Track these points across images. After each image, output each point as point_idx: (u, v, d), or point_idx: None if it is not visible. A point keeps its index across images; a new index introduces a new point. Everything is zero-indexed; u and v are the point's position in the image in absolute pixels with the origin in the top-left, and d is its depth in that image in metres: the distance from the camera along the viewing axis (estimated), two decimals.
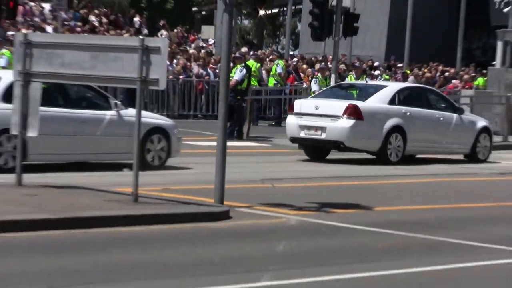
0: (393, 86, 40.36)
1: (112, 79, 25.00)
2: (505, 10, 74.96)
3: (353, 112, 35.71)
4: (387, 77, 62.64)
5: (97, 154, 29.18)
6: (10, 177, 24.24)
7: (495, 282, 17.18)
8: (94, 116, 30.17)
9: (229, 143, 25.55)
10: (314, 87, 47.30)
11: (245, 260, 17.61)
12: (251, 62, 49.65)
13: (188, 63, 55.72)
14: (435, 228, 21.97)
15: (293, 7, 69.48)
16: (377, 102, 36.87)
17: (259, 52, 66.91)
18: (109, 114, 30.56)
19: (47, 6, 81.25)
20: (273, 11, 72.90)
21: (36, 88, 23.98)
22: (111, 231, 20.06)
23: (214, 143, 25.52)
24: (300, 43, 70.58)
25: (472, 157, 38.43)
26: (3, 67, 35.39)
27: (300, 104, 38.95)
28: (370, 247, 19.78)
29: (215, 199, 22.93)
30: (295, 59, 64.94)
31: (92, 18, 79.90)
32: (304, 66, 61.91)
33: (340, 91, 41.17)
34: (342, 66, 53.09)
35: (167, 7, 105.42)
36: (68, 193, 23.37)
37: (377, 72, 64.80)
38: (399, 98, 37.85)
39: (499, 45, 63.41)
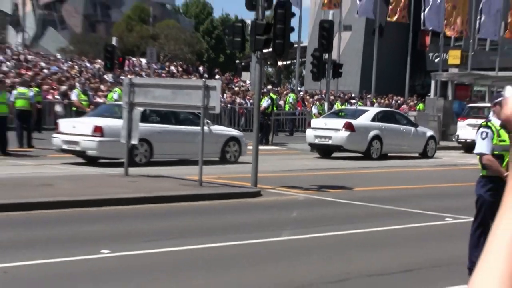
0: (373, 110, 40.58)
1: (185, 106, 25.02)
2: (436, 60, 75.11)
3: (348, 127, 36.23)
4: (360, 103, 62.59)
5: (194, 154, 29.16)
6: (120, 170, 24.23)
7: (430, 236, 17.10)
8: (194, 130, 29.97)
9: (260, 147, 25.42)
10: (314, 110, 47.69)
11: (271, 223, 17.71)
12: (273, 95, 50.15)
13: (233, 96, 55.93)
14: (392, 201, 21.79)
15: (300, 59, 69.05)
16: (363, 120, 37.41)
17: (278, 88, 66.95)
18: (205, 130, 30.39)
19: (143, 60, 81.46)
20: (287, 62, 72.68)
21: (136, 113, 24.05)
22: (184, 205, 20.11)
23: (250, 147, 25.78)
24: (305, 82, 70.38)
25: (424, 155, 38.63)
26: (115, 100, 35.52)
27: (315, 122, 39.54)
28: (351, 214, 19.79)
29: (251, 183, 22.80)
30: (301, 93, 64.48)
31: (172, 67, 79.93)
32: (308, 97, 61.82)
33: (340, 113, 41.45)
34: (332, 97, 52.74)
35: (220, 60, 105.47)
36: (157, 180, 23.40)
37: (353, 101, 64.50)
38: (378, 117, 38.40)
39: (432, 83, 63.25)
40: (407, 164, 35.52)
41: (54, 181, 22.01)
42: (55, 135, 30.02)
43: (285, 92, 62.02)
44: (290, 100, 55.35)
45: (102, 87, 46.87)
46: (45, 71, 59.27)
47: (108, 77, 51.97)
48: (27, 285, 11.14)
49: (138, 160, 28.47)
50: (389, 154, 37.67)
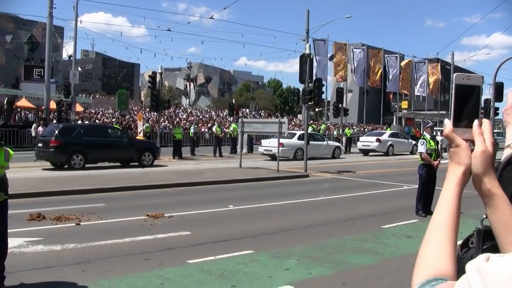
0: (388, 132, 40.62)
1: (269, 132, 24.38)
2: (395, 106, 74.14)
3: (377, 140, 36.82)
4: (358, 129, 61.69)
5: (320, 154, 31.62)
6: (237, 164, 24.03)
7: (396, 195, 16.57)
8: (320, 143, 32.32)
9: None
10: (335, 133, 46.21)
11: (314, 190, 17.12)
12: (313, 125, 49.73)
13: (294, 126, 55.29)
14: (377, 177, 21.22)
15: (327, 107, 68.01)
16: (384, 136, 37.73)
17: (316, 122, 66.00)
18: (324, 142, 32.82)
19: (248, 110, 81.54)
20: (320, 109, 71.79)
21: (245, 136, 23.88)
22: (268, 182, 19.66)
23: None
24: (329, 118, 69.54)
25: (411, 153, 37.75)
26: (234, 129, 35.69)
27: (362, 138, 39.92)
28: (356, 185, 19.13)
29: (303, 170, 22.25)
30: (328, 123, 63.31)
31: (262, 113, 79.82)
32: (331, 126, 60.58)
33: (373, 133, 41.73)
34: (343, 126, 51.64)
35: (286, 109, 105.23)
36: (256, 169, 23.00)
37: (354, 127, 63.47)
38: (390, 135, 38.54)
39: (394, 118, 62.57)
40: (402, 158, 34.64)
41: (205, 171, 21.89)
42: (260, 147, 31.64)
43: (321, 124, 61.11)
44: (323, 127, 54.45)
45: (227, 124, 47.28)
46: (201, 117, 59.76)
47: (230, 118, 51.79)
48: (192, 222, 11.03)
49: (298, 158, 29.59)
50: (395, 153, 37.31)
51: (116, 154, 23.64)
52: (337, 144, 35.37)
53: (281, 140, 29.43)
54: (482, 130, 1.32)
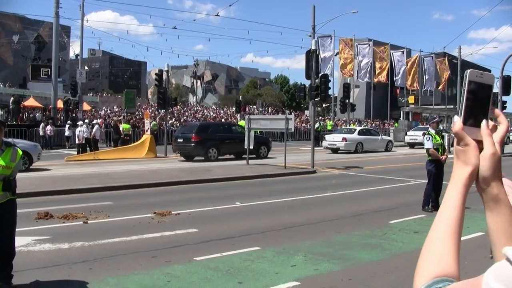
0: (425, 127, 40.40)
1: (276, 129, 25.25)
2: (402, 101, 73.65)
3: (424, 134, 37.64)
4: (365, 124, 61.37)
5: (376, 148, 34.76)
6: (244, 162, 23.98)
7: (403, 190, 16.49)
8: (376, 138, 35.31)
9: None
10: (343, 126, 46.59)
11: (321, 186, 17.05)
12: (321, 122, 49.55)
13: (300, 123, 55.08)
14: (386, 173, 21.12)
15: (334, 104, 67.77)
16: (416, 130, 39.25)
17: (323, 118, 65.79)
18: (379, 137, 35.62)
19: (255, 107, 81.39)
20: (327, 104, 71.21)
21: (251, 133, 23.77)
22: (275, 179, 19.60)
23: (309, 148, 24.96)
24: (337, 114, 69.27)
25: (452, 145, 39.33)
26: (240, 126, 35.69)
27: (409, 132, 42.08)
28: (363, 180, 19.04)
29: (311, 166, 22.17)
30: (335, 119, 63.14)
31: (269, 109, 79.66)
32: (338, 122, 60.38)
33: (419, 128, 42.04)
34: (350, 122, 51.33)
35: (293, 105, 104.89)
36: (263, 166, 22.91)
37: (361, 122, 63.23)
38: (425, 131, 38.92)
39: (401, 113, 62.35)
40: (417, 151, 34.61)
41: (212, 168, 21.86)
42: (324, 141, 34.94)
43: (327, 120, 60.96)
44: (329, 124, 54.29)
45: (234, 121, 47.23)
46: (207, 114, 59.82)
47: (237, 115, 51.80)
48: (199, 220, 11.04)
49: (358, 151, 32.98)
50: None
51: (240, 148, 26.34)
52: (389, 138, 37.46)
53: (344, 135, 33.52)
54: (490, 131, 1.26)
